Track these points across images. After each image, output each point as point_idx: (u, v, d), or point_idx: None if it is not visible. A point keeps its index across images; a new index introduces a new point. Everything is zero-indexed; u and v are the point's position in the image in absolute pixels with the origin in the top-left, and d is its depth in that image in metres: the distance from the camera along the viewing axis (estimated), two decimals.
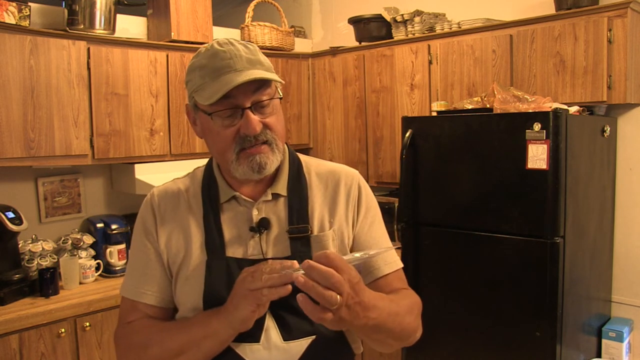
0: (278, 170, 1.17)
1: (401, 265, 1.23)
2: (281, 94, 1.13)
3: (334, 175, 1.22)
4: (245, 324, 1.01)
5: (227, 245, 1.13)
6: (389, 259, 1.20)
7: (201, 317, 1.08)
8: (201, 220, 1.15)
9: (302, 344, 1.09)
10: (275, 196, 1.17)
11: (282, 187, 1.17)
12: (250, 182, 1.15)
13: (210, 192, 1.17)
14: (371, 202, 1.24)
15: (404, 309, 1.11)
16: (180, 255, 1.15)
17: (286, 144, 1.20)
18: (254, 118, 1.05)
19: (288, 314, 1.08)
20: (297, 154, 1.25)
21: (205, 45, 1.10)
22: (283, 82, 1.14)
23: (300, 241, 1.13)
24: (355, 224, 1.20)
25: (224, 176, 1.18)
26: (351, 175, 1.23)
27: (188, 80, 1.10)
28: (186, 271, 1.13)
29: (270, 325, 1.08)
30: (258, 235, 1.13)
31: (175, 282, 1.16)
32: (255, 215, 1.15)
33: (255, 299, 0.97)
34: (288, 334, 1.09)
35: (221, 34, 3.39)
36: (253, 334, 1.07)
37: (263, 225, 1.13)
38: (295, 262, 0.96)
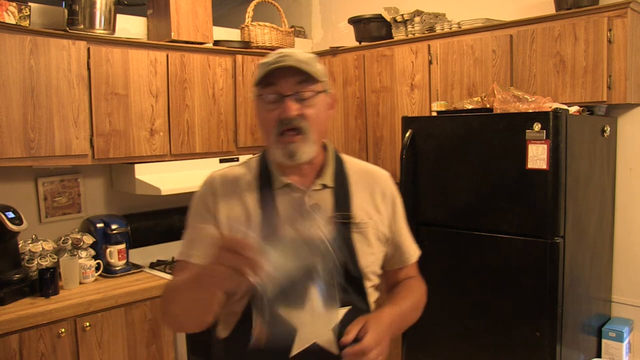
0: (324, 164, 1.36)
1: (419, 253, 1.48)
2: (329, 95, 1.32)
3: (371, 175, 1.42)
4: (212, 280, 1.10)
5: (279, 225, 1.26)
6: (413, 250, 1.46)
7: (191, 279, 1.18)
8: (257, 203, 1.30)
9: (338, 312, 1.25)
10: (323, 187, 1.33)
11: (329, 179, 1.34)
12: (298, 171, 1.32)
13: (265, 179, 1.32)
14: (401, 202, 1.45)
15: (410, 307, 1.37)
16: (239, 229, 1.23)
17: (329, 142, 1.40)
18: (292, 104, 1.22)
19: (331, 284, 1.19)
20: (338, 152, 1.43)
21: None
22: (325, 79, 1.30)
23: (344, 227, 1.30)
24: (392, 222, 1.41)
25: (275, 165, 1.33)
26: (385, 176, 1.45)
27: (254, 76, 1.29)
28: None
29: (315, 294, 1.19)
30: (308, 217, 1.26)
31: None
32: (307, 201, 1.30)
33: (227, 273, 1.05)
34: (329, 302, 1.21)
35: (221, 34, 3.39)
36: (300, 302, 1.20)
37: (313, 210, 1.29)
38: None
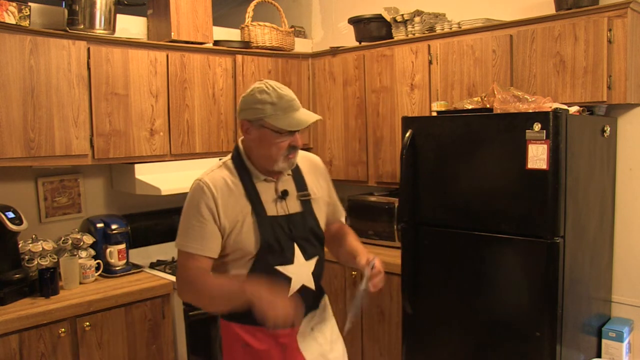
0: None
1: (344, 212, 2.08)
2: None
3: (311, 160, 1.95)
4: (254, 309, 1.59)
5: (266, 209, 1.73)
6: (342, 210, 2.03)
7: (231, 287, 1.69)
8: (245, 195, 1.73)
9: (313, 261, 1.79)
10: (287, 175, 1.81)
11: (289, 170, 1.81)
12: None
13: (247, 177, 1.75)
14: (329, 176, 1.99)
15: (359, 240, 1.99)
16: (237, 219, 1.70)
17: None
18: (299, 137, 1.75)
19: (306, 243, 1.77)
20: None
21: (264, 87, 1.69)
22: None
23: (306, 201, 1.82)
24: (329, 191, 1.94)
25: (255, 166, 1.76)
26: (318, 159, 1.99)
27: (257, 108, 1.68)
28: (242, 227, 1.70)
29: (297, 251, 1.74)
30: (282, 200, 1.77)
31: (231, 235, 1.70)
32: (279, 187, 1.78)
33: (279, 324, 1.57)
34: (307, 256, 1.77)
35: (221, 34, 3.39)
36: (289, 259, 1.73)
37: (284, 194, 1.78)
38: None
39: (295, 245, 1.75)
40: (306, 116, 1.72)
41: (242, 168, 1.76)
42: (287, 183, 1.80)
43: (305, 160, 1.91)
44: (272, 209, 1.75)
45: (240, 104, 1.75)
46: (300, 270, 1.75)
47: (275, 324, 1.54)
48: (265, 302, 1.56)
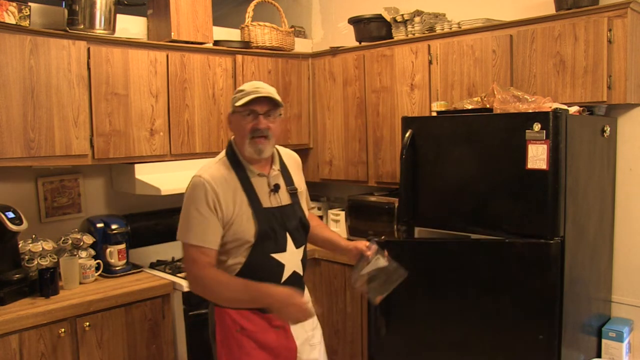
0: (273, 157, 1.97)
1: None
2: (282, 114, 1.94)
3: (292, 156, 2.12)
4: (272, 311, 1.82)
5: (261, 201, 1.88)
6: (310, 201, 2.23)
7: (256, 290, 1.80)
8: (241, 188, 1.86)
9: (302, 249, 1.98)
10: (277, 171, 1.97)
11: (277, 166, 1.98)
12: (261, 164, 1.92)
13: (242, 172, 1.89)
14: None
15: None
16: (236, 211, 1.83)
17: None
18: (263, 120, 1.85)
19: (296, 232, 1.94)
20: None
21: (246, 84, 1.89)
22: (282, 105, 1.90)
23: (294, 195, 1.99)
24: (304, 184, 2.11)
25: (246, 160, 1.90)
26: (297, 155, 2.15)
27: (233, 98, 1.88)
28: (241, 218, 1.84)
29: (289, 240, 1.92)
30: (275, 193, 1.93)
31: (231, 226, 1.83)
32: (271, 182, 1.93)
33: (294, 319, 1.81)
34: (297, 244, 1.95)
35: (221, 34, 3.39)
36: (283, 247, 1.89)
37: (276, 188, 1.93)
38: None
39: (288, 234, 1.92)
40: (260, 94, 1.84)
41: (236, 163, 1.90)
42: (277, 178, 1.96)
43: (289, 157, 2.09)
44: (267, 201, 1.90)
45: None
46: (292, 257, 1.92)
47: (297, 320, 1.78)
48: (284, 301, 1.76)
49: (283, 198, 1.94)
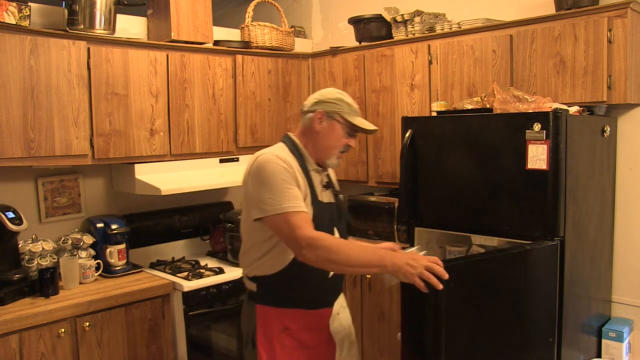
0: None
1: None
2: None
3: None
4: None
5: (317, 194, 1.93)
6: None
7: (373, 252, 1.77)
8: (304, 176, 1.90)
9: None
10: (327, 171, 2.07)
11: (327, 169, 2.06)
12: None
13: (304, 165, 1.94)
14: None
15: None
16: (302, 191, 1.85)
17: None
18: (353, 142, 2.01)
19: (342, 232, 2.00)
20: None
21: (338, 91, 1.99)
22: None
23: (337, 196, 2.05)
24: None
25: (309, 155, 1.97)
26: None
27: (336, 103, 1.94)
28: (306, 202, 1.85)
29: (337, 235, 1.96)
30: (326, 190, 2.00)
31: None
32: (324, 178, 2.01)
33: (408, 275, 1.69)
34: None
35: (221, 34, 3.39)
36: None
37: (328, 185, 2.02)
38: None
39: (335, 230, 1.97)
40: (370, 124, 2.00)
41: (298, 154, 1.95)
42: (328, 177, 2.05)
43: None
44: (321, 195, 1.96)
45: (316, 97, 1.97)
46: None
47: (424, 275, 1.66)
48: (408, 255, 1.73)
49: (330, 197, 2.01)
